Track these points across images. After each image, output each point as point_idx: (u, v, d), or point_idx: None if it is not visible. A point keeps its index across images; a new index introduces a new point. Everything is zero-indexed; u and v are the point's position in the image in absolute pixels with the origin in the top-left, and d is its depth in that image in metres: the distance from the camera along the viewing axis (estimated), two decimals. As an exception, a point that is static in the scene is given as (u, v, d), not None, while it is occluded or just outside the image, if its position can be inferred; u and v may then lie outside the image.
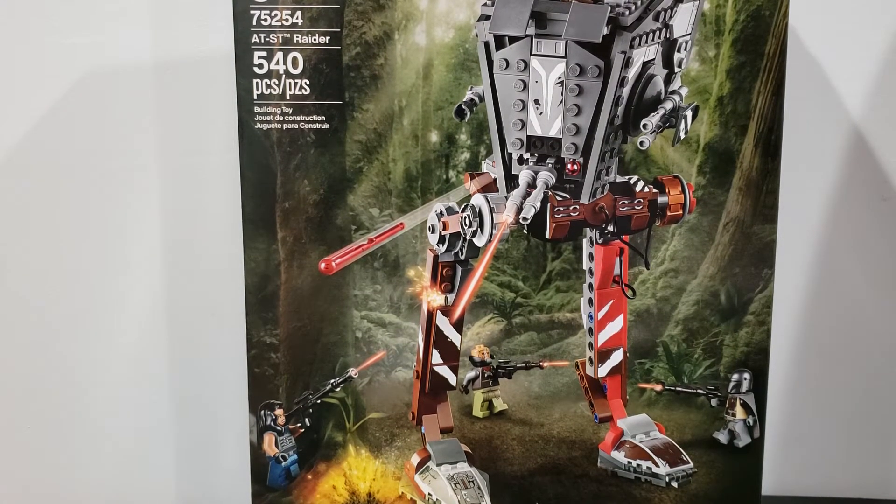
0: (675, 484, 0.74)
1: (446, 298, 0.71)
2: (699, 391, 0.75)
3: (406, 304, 0.71)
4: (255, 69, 0.68)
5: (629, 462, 0.74)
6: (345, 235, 0.70)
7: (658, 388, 0.74)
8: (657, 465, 0.74)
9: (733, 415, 0.75)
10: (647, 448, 0.74)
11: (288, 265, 0.70)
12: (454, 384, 0.73)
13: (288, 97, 0.68)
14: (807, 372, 0.86)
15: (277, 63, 0.68)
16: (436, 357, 0.72)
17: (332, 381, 0.72)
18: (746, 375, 0.74)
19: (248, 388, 0.72)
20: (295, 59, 0.68)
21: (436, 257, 0.70)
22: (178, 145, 0.81)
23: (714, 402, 0.75)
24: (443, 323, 0.72)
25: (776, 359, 0.76)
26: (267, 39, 0.67)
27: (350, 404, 0.73)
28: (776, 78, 0.70)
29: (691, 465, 0.74)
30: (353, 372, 0.72)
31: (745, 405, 0.75)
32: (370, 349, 0.72)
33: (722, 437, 0.75)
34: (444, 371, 0.73)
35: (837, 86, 0.81)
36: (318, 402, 0.72)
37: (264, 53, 0.67)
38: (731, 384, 0.75)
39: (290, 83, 0.68)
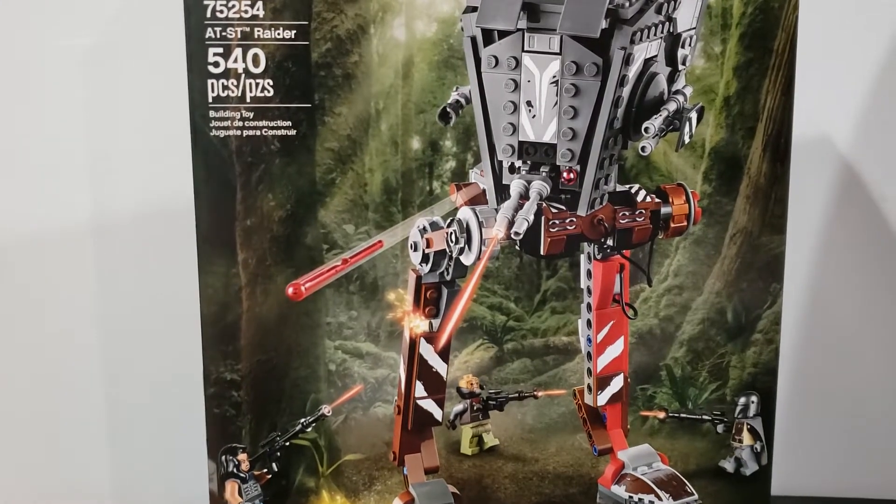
0: (679, 519, 0.65)
1: (430, 324, 0.60)
2: (704, 417, 0.65)
3: (385, 331, 0.61)
4: (210, 68, 0.56)
5: (630, 497, 0.65)
6: (315, 256, 0.59)
7: (661, 415, 0.65)
8: (660, 499, 0.65)
9: (740, 441, 0.66)
10: (649, 480, 0.65)
11: (250, 291, 0.59)
12: (440, 419, 0.62)
13: (248, 100, 0.57)
14: (811, 374, 0.80)
15: (236, 61, 0.56)
16: (419, 390, 0.61)
17: (303, 420, 0.61)
18: (754, 399, 0.66)
19: (205, 430, 0.61)
20: (256, 57, 0.56)
21: (419, 278, 0.60)
22: (119, 150, 0.69)
23: (720, 428, 0.66)
24: (427, 351, 0.61)
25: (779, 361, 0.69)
26: (223, 34, 0.56)
27: (323, 445, 0.61)
28: (786, 76, 0.61)
29: (696, 496, 0.65)
30: (326, 409, 0.61)
31: (752, 430, 0.66)
32: (345, 383, 0.61)
33: (728, 465, 0.66)
34: (429, 405, 0.62)
35: (848, 85, 0.73)
36: (287, 444, 0.61)
37: (220, 50, 0.56)
38: (738, 408, 0.66)
39: (250, 84, 0.57)
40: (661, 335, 0.63)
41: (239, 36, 0.55)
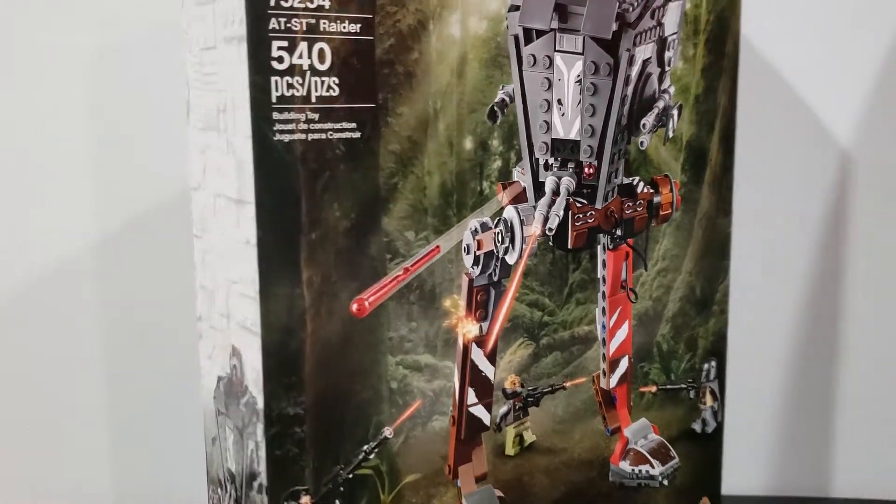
0: (665, 482, 0.70)
1: (480, 327, 0.59)
2: (682, 386, 0.71)
3: (442, 340, 0.57)
4: (275, 64, 0.49)
5: (632, 470, 0.68)
6: (379, 267, 0.54)
7: (653, 389, 0.69)
8: (653, 467, 0.69)
9: (704, 403, 0.73)
10: (645, 452, 0.69)
11: (315, 312, 0.52)
12: (489, 424, 0.60)
13: (314, 99, 0.50)
14: (805, 374, 0.83)
15: (301, 56, 0.50)
16: (471, 397, 0.59)
17: (366, 447, 0.55)
18: (713, 363, 0.72)
19: (265, 477, 0.52)
20: (322, 52, 0.50)
21: (470, 281, 0.58)
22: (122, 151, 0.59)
23: (692, 394, 0.72)
24: (477, 356, 0.59)
25: (775, 360, 0.74)
26: (288, 26, 0.49)
27: (385, 471, 0.56)
28: (732, 77, 0.69)
29: (677, 459, 0.71)
30: (388, 432, 0.56)
31: (712, 392, 0.73)
32: (406, 400, 0.56)
33: (697, 426, 0.72)
34: (479, 411, 0.60)
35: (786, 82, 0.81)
36: (350, 475, 0.55)
37: (285, 44, 0.49)
38: (703, 373, 0.72)
39: (315, 82, 0.50)
40: (654, 315, 0.67)
41: (304, 28, 0.49)
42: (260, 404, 0.51)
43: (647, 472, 0.68)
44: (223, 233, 0.53)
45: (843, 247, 0.83)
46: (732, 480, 0.78)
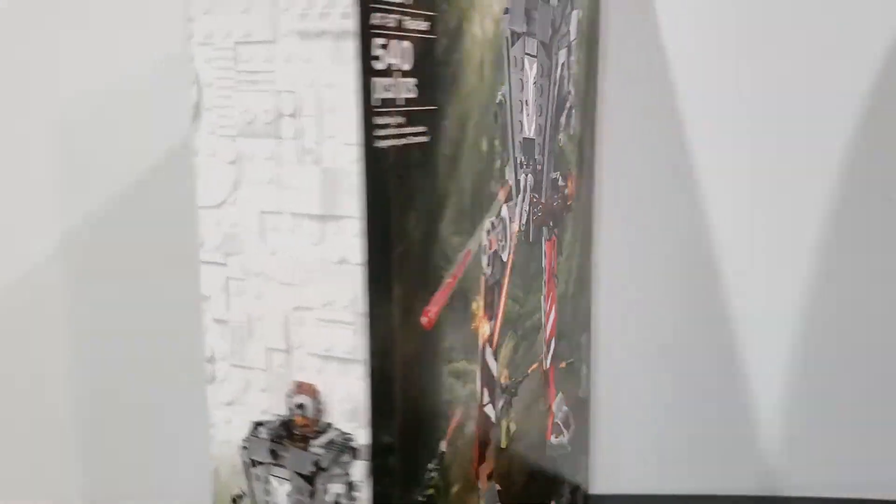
0: (570, 448, 0.77)
1: (490, 326, 0.59)
2: (573, 358, 0.78)
3: (471, 343, 0.57)
4: (375, 63, 0.45)
5: (556, 441, 0.74)
6: (437, 276, 0.52)
7: (564, 364, 0.75)
8: (564, 436, 0.76)
9: (581, 371, 0.81)
10: (561, 423, 0.75)
11: (401, 330, 0.49)
12: (494, 421, 0.61)
13: (402, 102, 0.47)
14: (813, 372, 0.83)
15: (393, 56, 0.46)
16: (485, 396, 0.60)
17: (430, 465, 0.53)
18: (586, 336, 0.81)
19: (368, 518, 0.48)
20: (405, 51, 0.47)
21: (485, 282, 0.58)
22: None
23: (577, 363, 0.79)
24: (488, 355, 0.60)
25: (780, 362, 0.79)
26: (384, 22, 0.45)
27: (441, 488, 0.54)
28: (594, 80, 0.78)
29: (574, 425, 0.78)
30: (443, 446, 0.54)
31: (586, 361, 0.81)
32: (453, 410, 0.55)
33: (581, 392, 0.80)
34: (490, 410, 0.60)
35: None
36: (424, 499, 0.52)
37: (384, 41, 0.45)
38: (582, 346, 0.80)
39: (402, 83, 0.47)
40: (565, 296, 0.73)
41: (394, 25, 0.46)
42: (361, 439, 0.46)
43: (563, 441, 0.74)
44: (286, 254, 0.46)
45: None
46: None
